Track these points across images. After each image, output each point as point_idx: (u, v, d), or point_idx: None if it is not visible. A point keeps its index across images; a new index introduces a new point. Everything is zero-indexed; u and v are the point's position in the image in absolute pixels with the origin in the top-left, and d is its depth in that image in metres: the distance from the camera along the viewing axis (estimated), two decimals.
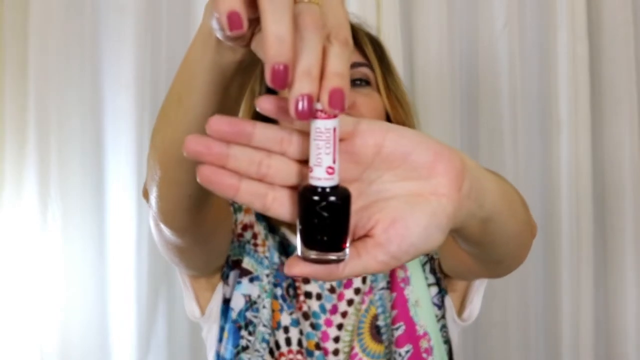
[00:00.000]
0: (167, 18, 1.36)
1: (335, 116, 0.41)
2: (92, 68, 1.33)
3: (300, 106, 0.39)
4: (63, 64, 1.31)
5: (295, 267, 0.43)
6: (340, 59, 0.40)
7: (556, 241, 1.40)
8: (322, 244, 0.42)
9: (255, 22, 0.42)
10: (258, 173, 0.43)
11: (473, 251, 0.69)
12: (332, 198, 0.42)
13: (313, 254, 0.43)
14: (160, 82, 1.33)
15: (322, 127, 0.41)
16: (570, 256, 1.40)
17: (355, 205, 0.45)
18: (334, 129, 0.41)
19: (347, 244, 0.43)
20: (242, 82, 0.56)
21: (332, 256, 0.43)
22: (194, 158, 0.42)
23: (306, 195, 0.42)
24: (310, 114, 0.39)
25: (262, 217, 0.96)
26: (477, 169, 0.50)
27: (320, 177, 0.42)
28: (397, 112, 0.93)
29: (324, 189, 0.42)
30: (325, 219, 0.42)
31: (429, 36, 1.38)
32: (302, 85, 0.39)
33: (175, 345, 1.35)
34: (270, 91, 0.92)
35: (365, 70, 0.91)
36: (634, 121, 1.43)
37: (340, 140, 0.44)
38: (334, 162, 0.42)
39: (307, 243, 0.43)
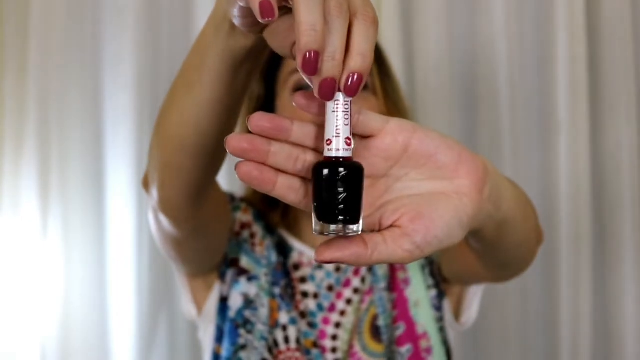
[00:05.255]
0: (167, 18, 1.36)
1: None
2: (93, 68, 1.33)
3: (324, 87, 0.41)
4: (63, 64, 1.32)
5: (325, 254, 0.44)
6: (366, 38, 0.42)
7: (555, 242, 1.39)
8: (342, 215, 0.44)
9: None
10: (294, 168, 0.45)
11: (484, 254, 0.71)
12: (353, 167, 0.44)
13: (332, 228, 0.44)
14: (161, 82, 1.34)
15: (342, 99, 0.43)
16: (569, 257, 1.40)
17: (382, 199, 0.47)
18: (351, 101, 0.43)
19: (361, 218, 0.45)
20: (250, 69, 0.58)
21: (351, 229, 0.44)
22: (238, 155, 0.43)
23: (326, 168, 0.44)
24: (333, 94, 0.42)
25: (259, 218, 0.97)
26: (496, 174, 0.52)
27: (340, 148, 0.43)
28: (394, 116, 0.92)
29: (343, 159, 0.44)
30: (346, 188, 0.43)
31: (429, 37, 1.38)
32: (326, 69, 0.41)
33: (176, 348, 1.35)
34: (269, 95, 0.93)
35: None
36: (632, 122, 1.43)
37: (370, 137, 0.47)
38: (351, 132, 0.44)
39: (326, 218, 0.44)
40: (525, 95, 1.42)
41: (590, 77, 1.41)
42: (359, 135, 0.46)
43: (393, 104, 0.93)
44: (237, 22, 0.48)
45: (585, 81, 1.40)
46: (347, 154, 0.44)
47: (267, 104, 0.93)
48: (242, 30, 0.50)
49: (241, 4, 0.45)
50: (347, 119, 0.43)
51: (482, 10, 1.41)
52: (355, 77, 0.42)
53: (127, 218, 1.31)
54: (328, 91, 0.42)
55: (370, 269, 0.93)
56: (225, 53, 0.55)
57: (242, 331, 0.90)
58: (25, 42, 1.31)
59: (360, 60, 0.42)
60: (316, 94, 0.42)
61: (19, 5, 1.31)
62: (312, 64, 0.40)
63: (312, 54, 0.40)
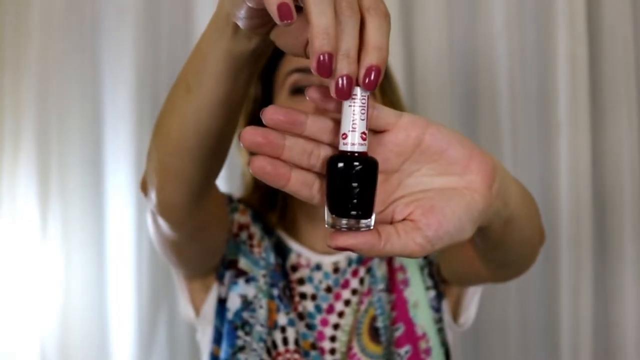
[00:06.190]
0: (167, 18, 1.36)
1: None
2: (93, 68, 1.33)
3: (340, 86, 0.41)
4: (63, 64, 1.31)
5: (339, 239, 0.44)
6: (380, 32, 0.42)
7: (555, 242, 1.39)
8: (355, 209, 0.44)
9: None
10: (308, 163, 0.45)
11: (487, 252, 0.71)
12: (368, 162, 0.44)
13: (344, 222, 0.44)
14: (161, 82, 1.33)
15: (358, 94, 0.43)
16: (570, 256, 1.40)
17: (394, 195, 0.47)
18: (368, 96, 0.43)
19: (374, 213, 0.45)
20: (251, 72, 0.58)
21: (364, 223, 0.44)
22: (252, 149, 0.43)
23: (341, 162, 0.44)
24: (350, 92, 0.42)
25: (257, 219, 0.96)
26: (504, 171, 0.52)
27: (355, 143, 0.43)
28: None
29: (358, 154, 0.44)
30: (360, 183, 0.43)
31: (429, 36, 1.38)
32: (342, 67, 0.41)
33: (176, 348, 1.35)
34: (266, 97, 0.92)
35: None
36: (633, 122, 1.42)
37: (384, 131, 0.46)
38: (367, 127, 0.44)
39: (338, 211, 0.44)
40: (525, 95, 1.42)
41: (590, 76, 1.41)
42: (372, 130, 0.46)
43: (391, 104, 0.93)
44: (242, 23, 0.48)
45: (586, 81, 1.40)
46: (363, 149, 0.44)
47: (265, 105, 0.92)
48: (245, 33, 0.50)
49: (250, 5, 0.44)
50: (363, 113, 0.43)
51: (482, 10, 1.41)
52: (374, 70, 0.42)
53: (127, 218, 1.31)
54: (345, 89, 0.42)
55: (369, 271, 0.93)
56: (228, 56, 0.55)
57: (240, 333, 0.89)
58: (24, 42, 1.31)
59: (377, 53, 0.42)
60: (333, 94, 0.42)
61: (19, 4, 1.31)
62: (327, 67, 0.41)
63: (327, 57, 0.40)
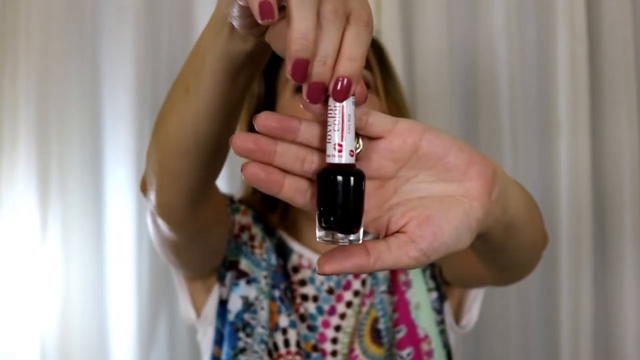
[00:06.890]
0: (167, 18, 1.36)
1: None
2: (92, 68, 1.33)
3: (310, 91, 0.41)
4: (62, 64, 1.31)
5: (326, 266, 0.43)
6: (357, 42, 0.41)
7: (555, 242, 1.39)
8: (337, 224, 0.43)
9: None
10: (302, 170, 0.44)
11: (489, 256, 0.70)
12: (339, 175, 0.42)
13: (323, 234, 0.43)
14: (161, 82, 1.33)
15: (332, 105, 0.42)
16: (570, 256, 1.40)
17: (390, 202, 0.46)
18: (343, 107, 0.42)
19: (360, 227, 0.44)
20: (250, 73, 0.57)
21: (349, 237, 0.43)
22: (243, 155, 0.43)
23: (321, 175, 0.43)
24: (320, 99, 0.41)
25: (259, 220, 0.96)
26: (504, 176, 0.50)
27: (330, 154, 0.43)
28: (395, 116, 0.92)
29: (334, 165, 0.43)
30: (344, 196, 0.42)
31: (429, 36, 1.38)
32: (315, 73, 0.41)
33: (176, 349, 1.35)
34: (269, 94, 0.92)
35: (364, 73, 0.91)
36: (633, 121, 1.42)
37: (380, 138, 0.45)
38: (343, 139, 0.42)
39: (324, 225, 0.43)
40: (525, 95, 1.42)
41: (590, 76, 1.41)
42: (367, 137, 0.46)
43: (394, 104, 0.93)
44: (236, 23, 0.47)
45: (586, 80, 1.40)
46: (343, 161, 0.42)
47: (268, 103, 0.92)
48: (241, 34, 0.49)
49: (241, 3, 0.44)
50: (338, 124, 0.42)
51: (482, 10, 1.41)
52: (345, 81, 0.41)
53: (127, 218, 1.31)
54: (315, 94, 0.41)
55: (371, 272, 0.93)
56: (224, 57, 0.54)
57: (241, 334, 0.89)
58: (25, 42, 1.30)
59: (349, 64, 0.41)
60: (305, 97, 0.41)
61: (18, 4, 1.31)
62: (301, 72, 0.40)
63: (302, 62, 0.40)
